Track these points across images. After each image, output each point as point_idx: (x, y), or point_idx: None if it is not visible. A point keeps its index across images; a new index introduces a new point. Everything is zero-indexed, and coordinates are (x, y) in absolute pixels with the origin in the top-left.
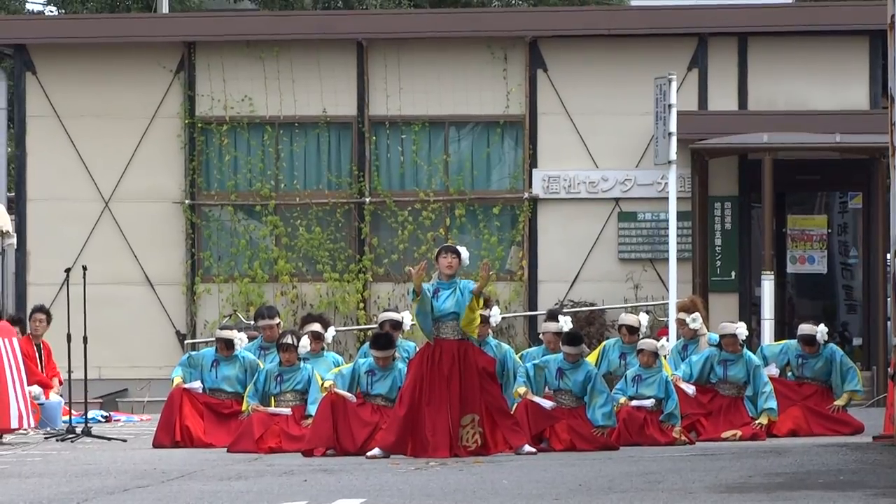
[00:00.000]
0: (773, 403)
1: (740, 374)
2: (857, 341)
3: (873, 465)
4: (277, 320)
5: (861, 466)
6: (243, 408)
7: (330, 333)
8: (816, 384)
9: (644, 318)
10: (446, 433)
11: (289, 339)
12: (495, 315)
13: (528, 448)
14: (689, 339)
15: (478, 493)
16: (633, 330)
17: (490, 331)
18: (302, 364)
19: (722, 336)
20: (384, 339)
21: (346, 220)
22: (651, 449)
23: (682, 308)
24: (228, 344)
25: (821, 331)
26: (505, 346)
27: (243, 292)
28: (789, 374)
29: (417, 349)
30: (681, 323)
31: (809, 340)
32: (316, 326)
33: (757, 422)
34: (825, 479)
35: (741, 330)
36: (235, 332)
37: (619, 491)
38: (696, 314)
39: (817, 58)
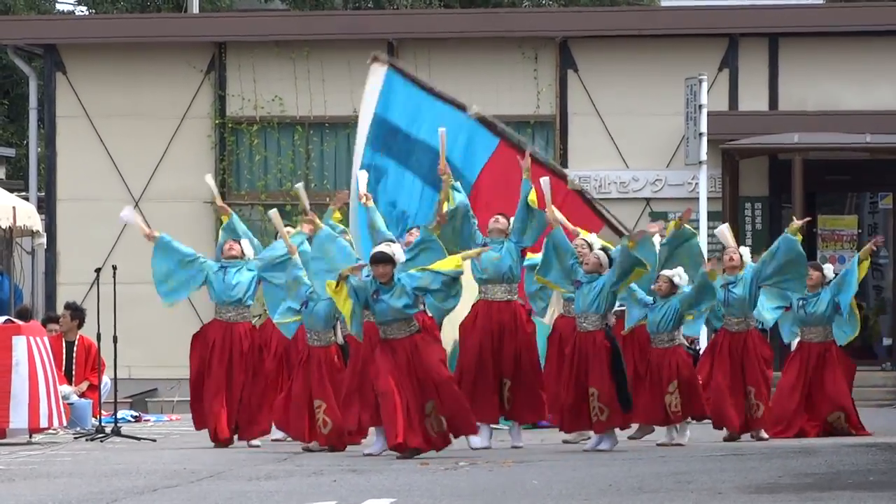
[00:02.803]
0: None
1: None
2: (886, 341)
3: None
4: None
5: (891, 467)
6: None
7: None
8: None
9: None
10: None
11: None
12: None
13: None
14: None
15: (507, 493)
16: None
17: None
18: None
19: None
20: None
21: None
22: (681, 449)
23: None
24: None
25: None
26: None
27: None
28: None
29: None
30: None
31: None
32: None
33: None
34: (855, 479)
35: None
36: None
37: (649, 491)
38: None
39: (848, 58)
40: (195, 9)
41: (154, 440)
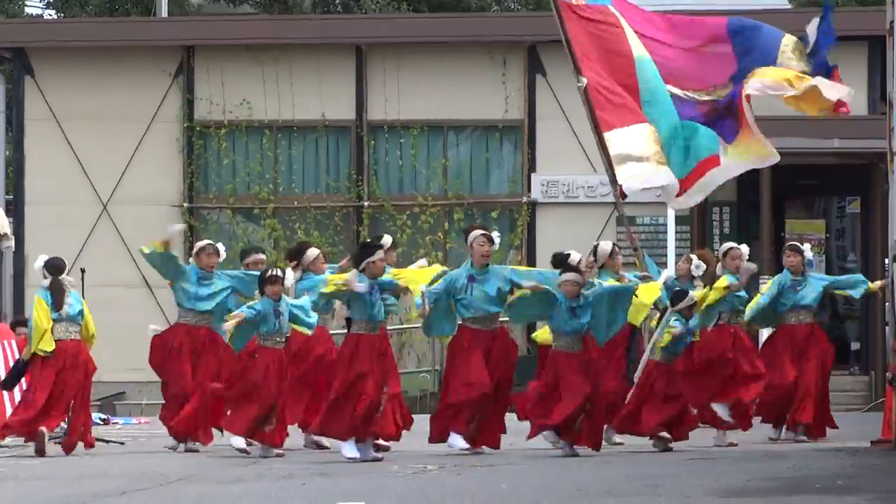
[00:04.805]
0: None
1: None
2: (854, 346)
3: (871, 469)
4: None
5: (858, 471)
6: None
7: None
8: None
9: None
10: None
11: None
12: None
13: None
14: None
15: (476, 497)
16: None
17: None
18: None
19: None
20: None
21: (345, 223)
22: (651, 453)
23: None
24: None
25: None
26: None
27: None
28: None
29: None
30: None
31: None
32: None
33: None
34: (823, 483)
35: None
36: None
37: (618, 495)
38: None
39: None
40: (164, 12)
41: (122, 443)
